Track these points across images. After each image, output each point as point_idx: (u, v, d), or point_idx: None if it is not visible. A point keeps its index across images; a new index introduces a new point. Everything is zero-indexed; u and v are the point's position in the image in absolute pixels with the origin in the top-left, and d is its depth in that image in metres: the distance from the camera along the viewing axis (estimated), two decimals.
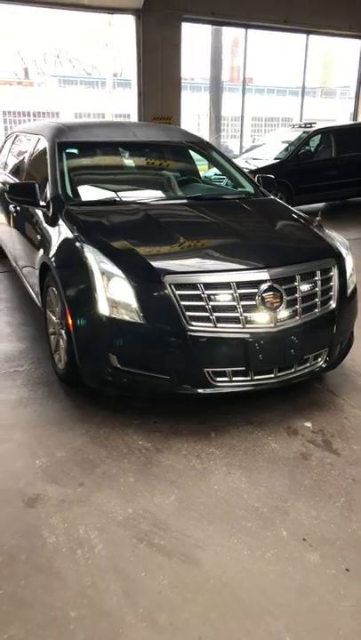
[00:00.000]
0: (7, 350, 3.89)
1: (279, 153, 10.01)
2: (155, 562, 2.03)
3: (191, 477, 2.53)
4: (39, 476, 2.52)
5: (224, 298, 2.77)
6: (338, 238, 3.46)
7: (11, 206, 4.44)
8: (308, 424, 2.98)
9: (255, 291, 2.79)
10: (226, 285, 2.78)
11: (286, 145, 10.13)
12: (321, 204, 10.59)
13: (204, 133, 18.63)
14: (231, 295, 2.77)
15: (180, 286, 2.74)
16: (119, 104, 29.05)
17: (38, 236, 3.62)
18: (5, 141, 5.98)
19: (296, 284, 2.91)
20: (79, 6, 9.57)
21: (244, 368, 2.80)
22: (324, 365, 3.07)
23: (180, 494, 2.41)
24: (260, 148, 10.82)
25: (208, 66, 14.03)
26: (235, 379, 2.82)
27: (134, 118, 10.88)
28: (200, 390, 2.79)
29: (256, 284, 2.81)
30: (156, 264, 2.84)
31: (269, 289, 2.81)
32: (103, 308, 2.80)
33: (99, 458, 2.66)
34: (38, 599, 1.87)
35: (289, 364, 2.91)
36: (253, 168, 9.08)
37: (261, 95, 41.49)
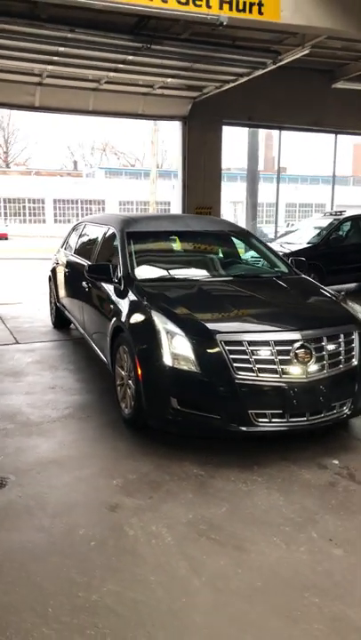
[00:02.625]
0: (81, 401, 4.62)
1: (312, 238, 10.93)
2: (212, 549, 2.63)
3: (239, 496, 3.13)
4: (117, 491, 3.16)
5: (264, 353, 3.47)
6: (359, 310, 4.17)
7: (83, 283, 5.33)
8: (336, 461, 3.55)
9: (289, 348, 3.49)
10: (266, 343, 3.49)
11: (318, 230, 11.09)
12: (353, 285, 11.33)
13: (241, 220, 19.95)
14: (270, 351, 3.47)
15: (229, 343, 3.47)
16: (161, 193, 31.47)
17: (111, 306, 4.43)
18: (74, 228, 7.04)
19: (323, 343, 3.59)
20: (135, 115, 11.08)
21: (281, 411, 3.45)
22: (348, 412, 3.68)
23: (230, 507, 3.01)
24: (294, 234, 11.81)
25: (243, 157, 15.51)
26: (273, 420, 3.46)
27: (177, 206, 12.08)
28: (245, 428, 3.44)
29: (290, 342, 3.51)
30: (210, 325, 3.59)
31: (301, 347, 3.50)
32: (167, 360, 3.53)
33: (163, 480, 3.29)
34: (127, 569, 2.48)
35: (318, 409, 3.54)
36: (288, 252, 9.96)
37: (295, 183, 43.93)
